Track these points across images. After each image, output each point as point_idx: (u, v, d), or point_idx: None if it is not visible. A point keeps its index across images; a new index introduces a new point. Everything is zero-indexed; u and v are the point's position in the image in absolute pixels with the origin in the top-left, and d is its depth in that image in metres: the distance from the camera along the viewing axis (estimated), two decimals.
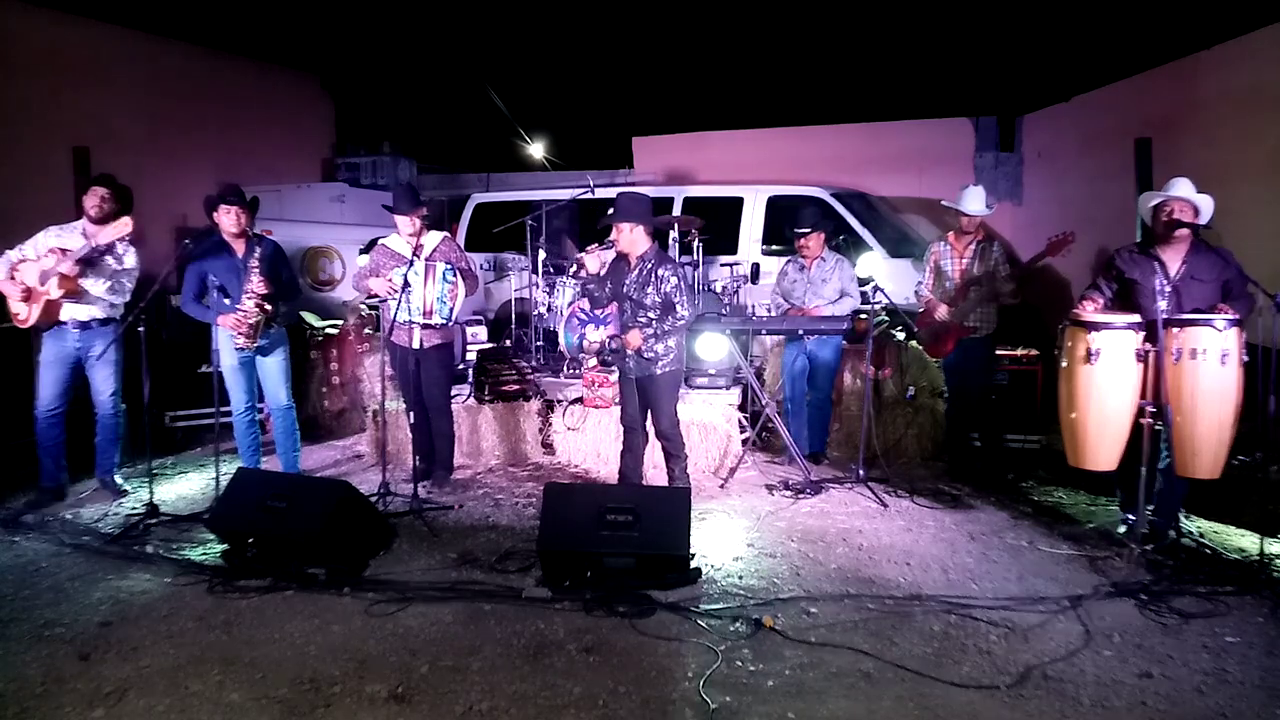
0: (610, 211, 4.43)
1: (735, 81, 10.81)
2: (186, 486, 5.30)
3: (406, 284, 4.61)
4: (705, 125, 10.58)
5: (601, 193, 7.22)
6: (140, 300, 4.46)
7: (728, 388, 5.93)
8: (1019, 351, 5.91)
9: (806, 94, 10.47)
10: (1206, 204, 3.93)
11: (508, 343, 7.10)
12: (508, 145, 13.48)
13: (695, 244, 6.83)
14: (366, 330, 6.97)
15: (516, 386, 6.00)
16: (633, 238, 4.34)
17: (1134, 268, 3.99)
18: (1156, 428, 3.71)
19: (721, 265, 7.38)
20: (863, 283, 5.39)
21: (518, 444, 5.84)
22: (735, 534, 4.36)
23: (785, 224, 5.88)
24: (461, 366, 6.05)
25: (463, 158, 13.26)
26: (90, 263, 4.62)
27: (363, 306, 7.08)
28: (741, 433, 5.65)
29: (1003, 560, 3.98)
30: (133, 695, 2.81)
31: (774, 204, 7.91)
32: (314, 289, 8.02)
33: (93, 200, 4.69)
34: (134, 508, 4.70)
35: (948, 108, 9.62)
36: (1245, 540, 4.14)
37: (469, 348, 6.32)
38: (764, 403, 5.29)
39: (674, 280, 4.29)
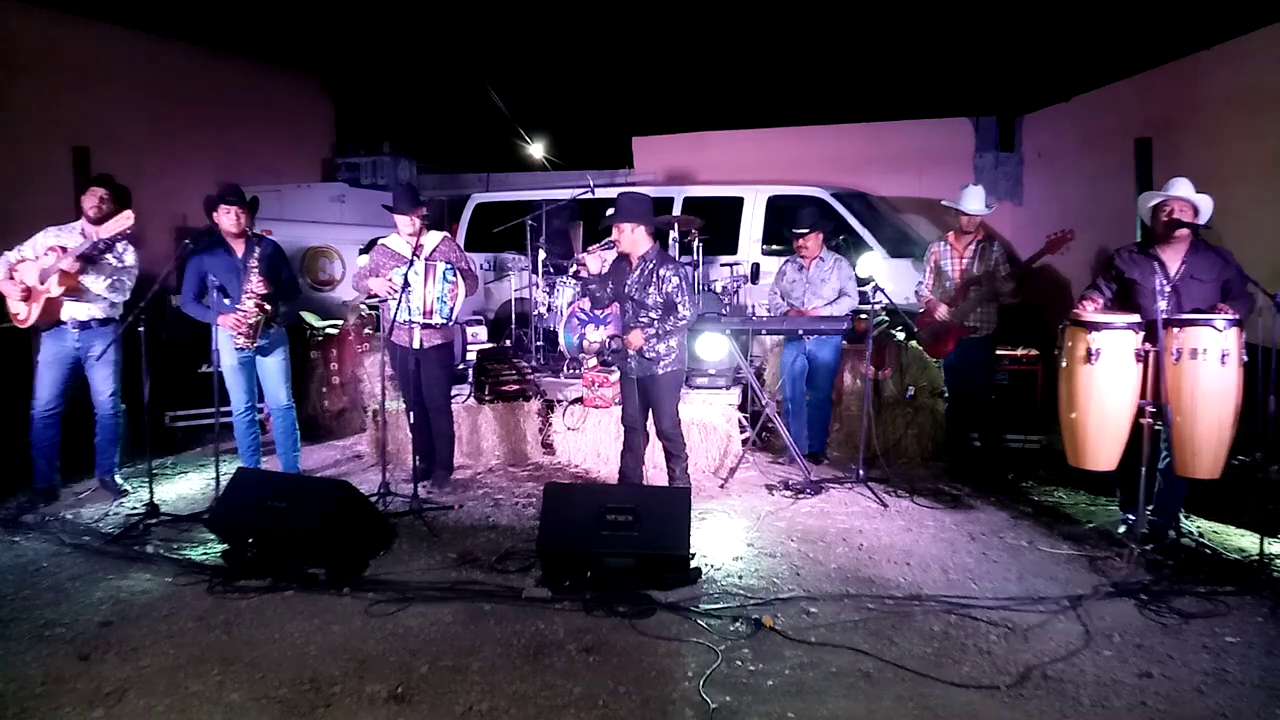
0: (611, 212, 4.43)
1: (735, 81, 10.80)
2: (186, 486, 5.30)
3: (406, 284, 4.61)
4: (705, 125, 10.58)
5: (601, 193, 7.22)
6: (140, 300, 4.46)
7: (728, 388, 5.94)
8: (1019, 351, 5.91)
9: (806, 94, 10.46)
10: (1206, 204, 3.93)
11: (508, 343, 7.10)
12: (508, 145, 13.48)
13: (695, 244, 6.83)
14: (366, 330, 6.97)
15: (516, 386, 6.00)
16: (634, 238, 4.34)
17: (1134, 268, 3.99)
18: (1156, 428, 3.71)
19: (721, 265, 7.38)
20: (863, 283, 5.39)
21: (518, 444, 5.84)
22: (735, 534, 4.36)
23: (785, 224, 5.88)
24: (461, 366, 6.05)
25: (463, 158, 13.26)
26: (91, 260, 4.62)
27: (363, 306, 7.08)
28: (741, 433, 5.65)
29: (1003, 560, 3.98)
30: (133, 695, 2.81)
31: (774, 204, 7.91)
32: (314, 289, 8.02)
33: (91, 201, 4.69)
34: (134, 508, 4.71)
35: (948, 108, 9.62)
36: (1245, 540, 4.14)
37: (469, 348, 6.32)
38: (764, 403, 5.29)
39: (676, 280, 4.29)
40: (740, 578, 3.77)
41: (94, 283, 4.65)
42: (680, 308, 4.29)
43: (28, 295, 4.61)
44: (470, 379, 6.00)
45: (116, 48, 8.85)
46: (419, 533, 4.33)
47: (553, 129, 13.71)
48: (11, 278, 4.63)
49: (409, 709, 2.74)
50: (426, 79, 11.99)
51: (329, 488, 4.12)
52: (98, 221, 4.66)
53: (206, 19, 9.10)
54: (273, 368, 4.90)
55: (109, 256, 4.70)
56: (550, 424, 5.83)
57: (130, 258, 4.80)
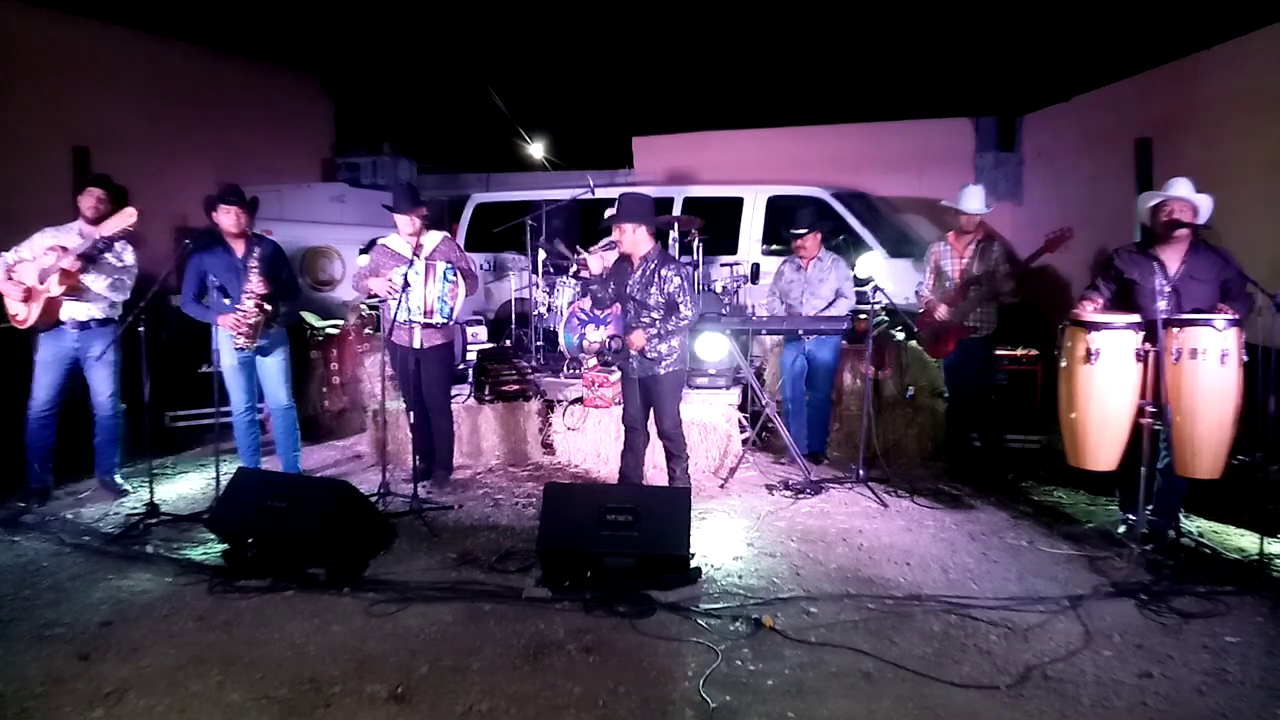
0: (611, 212, 4.43)
1: (735, 81, 10.81)
2: (186, 486, 5.30)
3: (406, 284, 4.61)
4: (705, 125, 10.58)
5: (601, 193, 7.22)
6: (140, 300, 4.46)
7: (728, 388, 5.94)
8: (1019, 351, 5.91)
9: (806, 94, 10.47)
10: (1206, 204, 3.93)
11: (508, 343, 7.10)
12: (508, 145, 13.49)
13: (695, 244, 6.83)
14: (366, 330, 6.97)
15: (516, 386, 6.00)
16: (636, 238, 4.34)
17: (1133, 268, 3.99)
18: (1156, 428, 3.71)
19: (721, 265, 7.38)
20: (862, 283, 5.39)
21: (518, 444, 5.84)
22: (735, 534, 4.37)
23: (785, 224, 5.89)
24: (461, 366, 6.05)
25: (463, 158, 13.27)
26: (92, 259, 4.62)
27: (363, 306, 7.08)
28: (741, 433, 5.65)
29: (1003, 560, 3.98)
30: (133, 695, 2.81)
31: (774, 204, 7.91)
32: (314, 289, 8.02)
33: (89, 201, 4.69)
34: (134, 508, 4.70)
35: (948, 108, 9.62)
36: (1245, 540, 4.14)
37: (469, 348, 6.32)
38: (764, 403, 5.29)
39: (677, 280, 4.29)
40: (740, 578, 3.77)
41: (95, 282, 4.65)
42: (682, 308, 4.29)
43: (28, 296, 4.61)
44: (470, 379, 6.00)
45: (116, 48, 8.86)
46: (419, 533, 4.33)
47: (553, 129, 13.72)
48: (10, 278, 4.63)
49: (409, 709, 2.74)
50: (426, 79, 12.00)
51: (329, 488, 4.12)
52: (95, 221, 4.66)
53: (206, 19, 9.11)
54: (273, 368, 4.90)
55: (109, 256, 4.70)
56: (550, 424, 5.83)
57: (130, 257, 4.80)
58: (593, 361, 5.81)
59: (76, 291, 4.61)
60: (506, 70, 11.54)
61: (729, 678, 2.89)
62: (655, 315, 4.34)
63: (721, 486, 5.18)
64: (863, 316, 5.75)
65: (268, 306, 4.66)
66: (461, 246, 6.02)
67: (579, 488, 4.80)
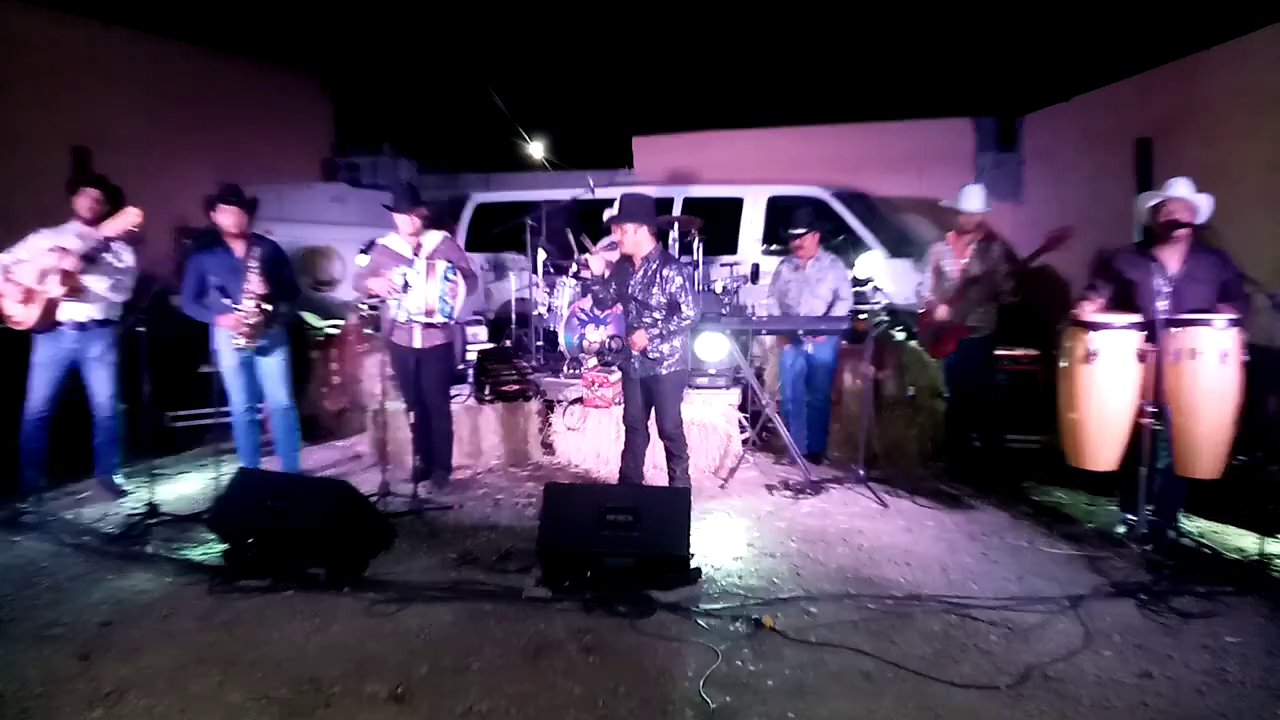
0: (614, 212, 4.43)
1: (735, 81, 10.83)
2: (186, 486, 5.30)
3: (407, 283, 4.61)
4: (705, 125, 10.59)
5: (601, 193, 7.21)
6: (140, 300, 4.45)
7: (728, 388, 5.93)
8: (1019, 351, 5.91)
9: (806, 94, 10.48)
10: (1205, 204, 3.93)
11: (508, 343, 7.09)
12: (508, 145, 13.49)
13: (695, 244, 6.83)
14: (366, 330, 6.97)
15: (516, 386, 6.00)
16: (637, 239, 4.34)
17: (1133, 268, 3.99)
18: (1156, 428, 3.71)
19: (721, 265, 7.38)
20: (863, 283, 5.39)
21: (518, 444, 5.84)
22: (735, 534, 4.36)
23: (785, 224, 5.89)
24: (461, 366, 6.05)
25: (463, 158, 13.26)
26: (92, 260, 4.62)
27: (363, 306, 7.08)
28: (741, 433, 5.65)
29: (1003, 560, 3.98)
30: (133, 695, 2.81)
31: (774, 204, 7.91)
32: (314, 289, 8.02)
33: (86, 202, 4.69)
34: (134, 508, 4.70)
35: (948, 108, 9.63)
36: (1245, 540, 4.14)
37: (469, 348, 6.32)
38: (764, 403, 5.29)
39: (679, 280, 4.29)
40: (740, 578, 3.77)
41: (95, 283, 4.65)
42: (684, 308, 4.29)
43: (27, 297, 4.60)
44: (470, 379, 6.00)
45: (116, 48, 8.85)
46: (419, 533, 4.33)
47: (553, 129, 13.72)
48: (8, 279, 4.62)
49: (409, 709, 2.74)
50: (426, 79, 12.01)
51: (329, 488, 4.12)
52: (92, 222, 4.66)
53: (206, 19, 9.12)
54: (272, 368, 4.90)
55: (108, 256, 4.69)
56: (550, 424, 5.82)
57: (129, 258, 4.80)
58: (593, 361, 5.81)
59: (77, 292, 4.61)
60: (506, 70, 11.55)
61: (729, 678, 2.89)
62: (657, 315, 4.34)
63: (721, 486, 5.18)
64: (863, 317, 5.75)
65: (267, 306, 4.66)
66: (461, 246, 6.02)
67: (579, 488, 4.79)
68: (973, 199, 5.18)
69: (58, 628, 3.29)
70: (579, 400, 5.70)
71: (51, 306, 4.61)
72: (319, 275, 8.12)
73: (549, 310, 6.75)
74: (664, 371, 4.36)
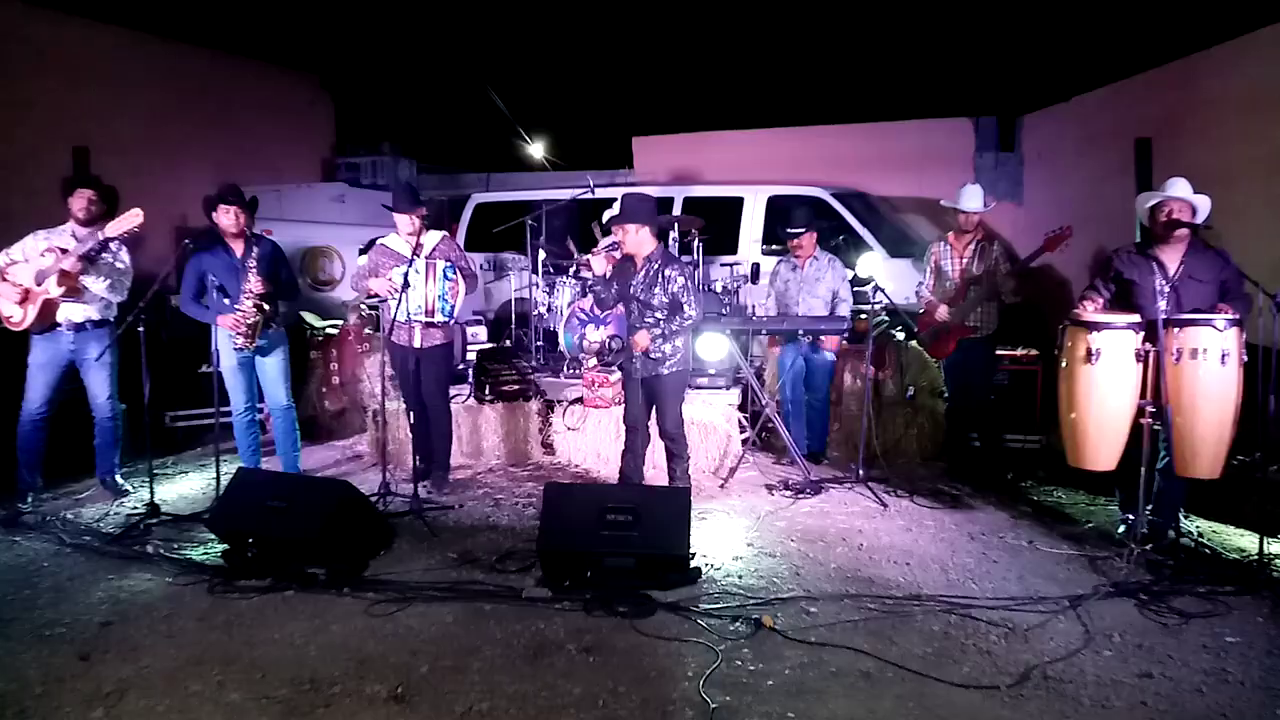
0: (615, 212, 4.43)
1: (735, 81, 10.83)
2: (187, 486, 5.30)
3: (407, 283, 4.61)
4: (705, 125, 10.59)
5: (601, 193, 7.21)
6: (139, 300, 4.45)
7: (728, 388, 5.93)
8: (1019, 351, 5.91)
9: (806, 94, 10.48)
10: (1204, 204, 3.93)
11: (508, 343, 7.10)
12: (508, 145, 13.50)
13: (695, 244, 6.84)
14: (366, 330, 6.97)
15: (516, 386, 6.00)
16: (639, 239, 4.34)
17: (1133, 268, 3.99)
18: (1156, 428, 3.71)
19: (721, 265, 7.38)
20: (863, 283, 5.38)
21: (518, 444, 5.84)
22: (735, 534, 4.36)
23: (785, 224, 5.89)
24: (461, 366, 6.05)
25: (463, 158, 13.27)
26: (90, 260, 4.62)
27: (363, 306, 7.08)
28: (741, 433, 5.65)
29: (1003, 560, 3.98)
30: (133, 695, 2.81)
31: (774, 204, 7.91)
32: (314, 289, 8.01)
33: (81, 203, 4.69)
34: (134, 508, 4.70)
35: (948, 108, 9.63)
36: (1245, 540, 4.14)
37: (469, 348, 6.32)
38: (764, 403, 5.29)
39: (681, 280, 4.29)
40: (740, 578, 3.77)
41: (94, 283, 4.65)
42: (686, 308, 4.29)
43: (24, 297, 4.60)
44: (470, 379, 6.00)
45: (117, 48, 8.85)
46: (419, 533, 4.33)
47: (553, 129, 13.73)
48: (4, 280, 4.61)
49: (409, 709, 2.74)
50: (426, 79, 12.01)
51: (329, 488, 4.12)
52: (87, 223, 4.66)
53: (207, 19, 9.12)
54: (272, 368, 4.90)
55: (107, 257, 4.69)
56: (550, 424, 5.83)
57: (126, 258, 4.79)
58: (593, 361, 5.81)
59: (75, 293, 4.60)
60: (506, 70, 11.56)
61: (729, 678, 2.89)
62: (659, 315, 4.34)
63: (721, 486, 5.18)
64: (863, 316, 5.75)
65: (267, 306, 4.66)
66: (461, 246, 6.02)
67: (579, 488, 4.80)
68: (972, 199, 5.18)
69: (58, 628, 3.29)
70: (579, 400, 5.70)
71: (49, 307, 4.61)
72: (319, 275, 8.11)
73: (549, 310, 6.76)
74: (666, 371, 4.36)
